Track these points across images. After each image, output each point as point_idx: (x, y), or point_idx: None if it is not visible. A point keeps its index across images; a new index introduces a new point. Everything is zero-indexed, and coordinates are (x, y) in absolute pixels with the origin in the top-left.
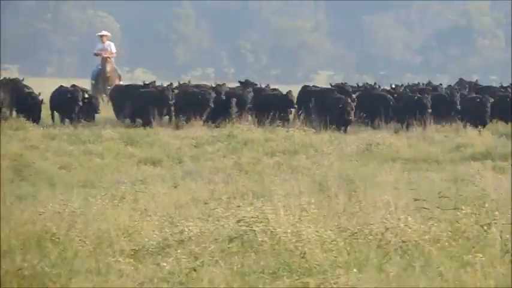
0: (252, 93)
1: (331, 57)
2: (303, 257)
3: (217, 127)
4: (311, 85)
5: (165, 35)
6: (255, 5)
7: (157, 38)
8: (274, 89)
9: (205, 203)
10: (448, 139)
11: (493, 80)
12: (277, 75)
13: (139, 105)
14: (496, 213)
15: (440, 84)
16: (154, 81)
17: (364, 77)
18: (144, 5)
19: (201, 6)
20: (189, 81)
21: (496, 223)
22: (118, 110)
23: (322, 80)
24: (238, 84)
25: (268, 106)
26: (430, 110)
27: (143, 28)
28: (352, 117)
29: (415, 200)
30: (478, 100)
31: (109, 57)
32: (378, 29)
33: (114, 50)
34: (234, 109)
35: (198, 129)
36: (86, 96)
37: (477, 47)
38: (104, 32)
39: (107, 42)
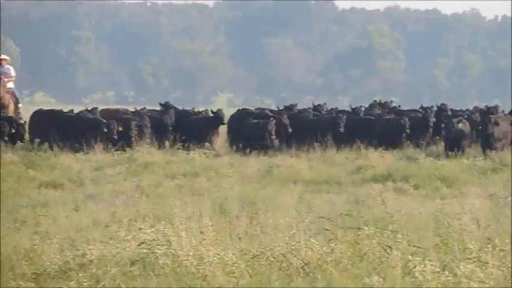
0: (172, 116)
1: (232, 80)
2: (204, 280)
3: (117, 150)
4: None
5: (65, 58)
6: (155, 27)
7: (57, 61)
8: (199, 112)
9: (106, 226)
10: (349, 161)
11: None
12: (177, 98)
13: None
14: (398, 235)
15: (361, 106)
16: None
17: (264, 99)
18: (44, 28)
19: (101, 29)
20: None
21: (397, 245)
22: (34, 134)
23: (222, 102)
24: (141, 107)
25: (197, 128)
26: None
27: (43, 51)
28: (268, 141)
29: (318, 219)
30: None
31: (3, 80)
32: (278, 51)
33: (13, 74)
34: (134, 132)
35: (98, 153)
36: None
37: (377, 68)
38: (3, 56)
39: (6, 66)
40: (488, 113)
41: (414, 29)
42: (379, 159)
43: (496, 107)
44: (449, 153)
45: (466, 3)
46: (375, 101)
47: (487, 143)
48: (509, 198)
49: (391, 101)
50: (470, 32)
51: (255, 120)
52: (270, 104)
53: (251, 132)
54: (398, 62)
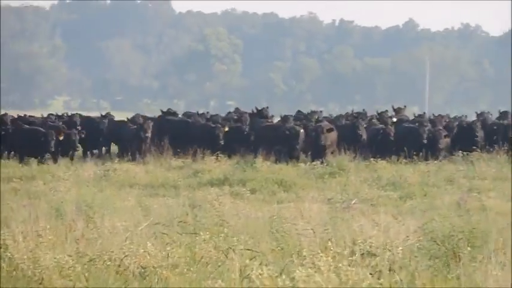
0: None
1: (68, 83)
2: (40, 283)
3: None
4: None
5: None
6: None
7: None
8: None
9: None
10: (186, 165)
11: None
12: (14, 101)
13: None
14: (235, 239)
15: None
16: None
17: (100, 102)
18: None
19: None
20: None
21: (234, 249)
22: None
23: (58, 105)
24: None
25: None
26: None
27: None
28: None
29: (154, 224)
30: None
31: None
32: (115, 54)
33: None
34: None
35: None
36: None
37: (214, 72)
38: None
39: None
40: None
41: (251, 32)
42: (214, 163)
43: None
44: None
45: (303, 7)
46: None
47: (318, 152)
48: (346, 203)
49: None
50: (307, 35)
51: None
52: (107, 107)
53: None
54: (235, 65)
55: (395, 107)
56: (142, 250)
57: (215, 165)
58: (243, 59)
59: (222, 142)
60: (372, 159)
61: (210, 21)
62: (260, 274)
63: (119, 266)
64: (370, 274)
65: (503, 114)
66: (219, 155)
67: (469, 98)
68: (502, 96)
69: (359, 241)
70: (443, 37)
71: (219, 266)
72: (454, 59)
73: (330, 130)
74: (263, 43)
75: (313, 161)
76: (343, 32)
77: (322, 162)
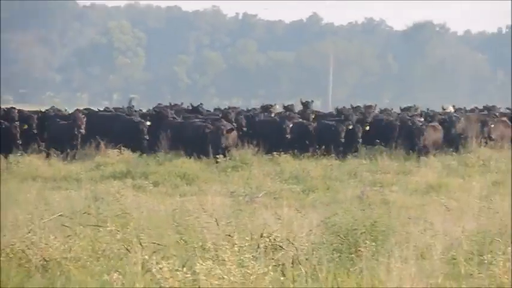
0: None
1: None
2: None
3: None
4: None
5: None
6: None
7: None
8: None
9: None
10: (89, 158)
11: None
12: None
13: None
14: (138, 232)
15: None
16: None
17: (5, 96)
18: None
19: None
20: None
21: (137, 242)
22: None
23: None
24: None
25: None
26: None
27: None
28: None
29: (57, 216)
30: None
31: None
32: (18, 47)
33: None
34: None
35: None
36: None
37: (117, 65)
38: None
39: None
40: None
41: (155, 25)
42: (117, 156)
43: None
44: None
45: (207, 1)
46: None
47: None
48: (249, 196)
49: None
50: (210, 29)
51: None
52: (11, 100)
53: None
54: (139, 58)
55: (303, 101)
56: (45, 243)
57: (118, 158)
58: (146, 53)
59: (146, 137)
60: (274, 153)
61: (113, 15)
62: (162, 267)
63: (21, 258)
64: (274, 267)
65: (406, 110)
66: (122, 148)
67: (373, 92)
68: (404, 91)
69: (262, 234)
70: (347, 31)
71: (121, 259)
72: (358, 53)
73: (229, 131)
74: (167, 36)
75: (214, 156)
76: (247, 26)
77: (225, 156)
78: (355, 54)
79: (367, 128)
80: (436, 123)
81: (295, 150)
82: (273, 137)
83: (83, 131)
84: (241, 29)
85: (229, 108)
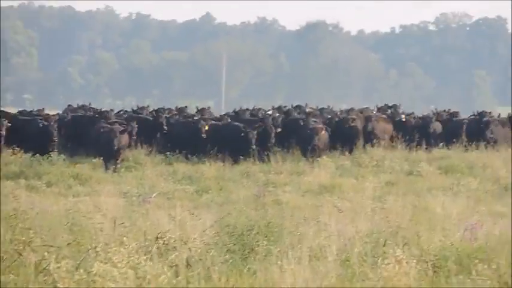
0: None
1: None
2: None
3: None
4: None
5: None
6: None
7: None
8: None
9: None
10: None
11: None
12: None
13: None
14: (31, 232)
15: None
16: None
17: None
18: None
19: None
20: None
21: (30, 243)
22: None
23: None
24: None
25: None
26: None
27: None
28: None
29: None
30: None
31: None
32: None
33: None
34: None
35: None
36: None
37: (11, 65)
38: None
39: None
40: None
41: (48, 26)
42: (11, 156)
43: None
44: None
45: (100, 1)
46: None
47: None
48: (142, 197)
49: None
50: (103, 29)
51: None
52: None
53: None
54: (32, 58)
55: (199, 107)
56: None
57: (11, 159)
58: (39, 53)
59: (55, 139)
60: (168, 153)
61: (7, 15)
62: (57, 268)
63: None
64: (168, 268)
65: (297, 108)
66: (15, 148)
67: (266, 92)
68: (297, 90)
69: (156, 235)
70: (240, 31)
71: (15, 261)
72: (251, 52)
73: (122, 132)
74: (60, 37)
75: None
76: (140, 26)
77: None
78: (248, 54)
79: (279, 129)
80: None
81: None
82: (188, 139)
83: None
84: (134, 29)
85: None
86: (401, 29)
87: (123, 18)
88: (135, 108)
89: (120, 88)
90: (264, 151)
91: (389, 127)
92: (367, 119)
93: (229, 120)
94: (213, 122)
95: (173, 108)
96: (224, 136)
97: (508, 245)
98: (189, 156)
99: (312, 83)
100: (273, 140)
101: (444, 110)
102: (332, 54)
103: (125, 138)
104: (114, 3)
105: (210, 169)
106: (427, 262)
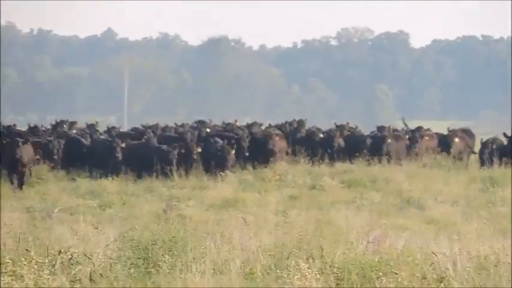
0: None
1: None
2: None
3: None
4: None
5: None
6: None
7: None
8: None
9: None
10: None
11: None
12: None
13: None
14: None
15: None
16: None
17: None
18: None
19: None
20: None
21: None
22: None
23: None
24: None
25: None
26: None
27: None
28: None
29: None
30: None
31: None
32: None
33: None
34: None
35: None
36: None
37: None
38: None
39: None
40: None
41: None
42: None
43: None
44: None
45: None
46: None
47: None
48: (45, 211)
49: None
50: (5, 44)
51: None
52: None
53: None
54: None
55: (109, 126)
56: None
57: None
58: None
59: None
60: (70, 168)
61: None
62: None
63: None
64: (71, 282)
65: (201, 122)
66: None
67: (168, 107)
68: (200, 105)
69: (59, 250)
70: (141, 46)
71: None
72: (153, 68)
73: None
74: None
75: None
76: (42, 41)
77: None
78: (151, 69)
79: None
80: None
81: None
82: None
83: None
84: (35, 44)
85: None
86: (303, 44)
87: (24, 33)
88: (53, 123)
89: (22, 104)
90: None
91: (284, 144)
92: (268, 137)
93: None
94: (131, 141)
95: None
96: (144, 156)
97: (411, 257)
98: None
99: (215, 98)
100: (195, 157)
101: (347, 123)
102: (234, 69)
103: (28, 152)
104: (16, 18)
105: (113, 184)
106: (330, 275)
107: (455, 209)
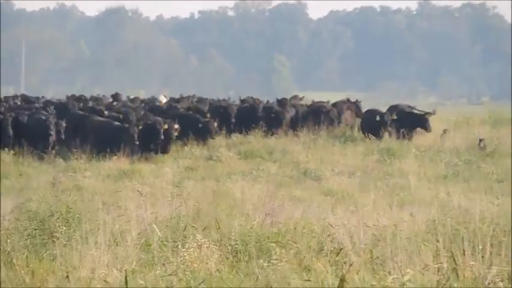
0: None
1: None
2: None
3: None
4: None
5: None
6: None
7: None
8: None
9: None
10: None
11: None
12: None
13: None
14: None
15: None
16: None
17: None
18: None
19: None
20: None
21: None
22: None
23: None
24: None
25: None
26: None
27: None
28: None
29: None
30: None
31: None
32: None
33: None
34: None
35: None
36: None
37: None
38: None
39: None
40: None
41: None
42: None
43: None
44: None
45: None
46: None
47: None
48: None
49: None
50: None
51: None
52: None
53: None
54: None
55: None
56: None
57: None
58: None
59: None
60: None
61: None
62: None
63: None
64: None
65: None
66: None
67: (66, 78)
68: (97, 76)
69: None
70: (40, 17)
71: None
72: (51, 38)
73: None
74: None
75: None
76: None
77: None
78: (48, 40)
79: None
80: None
81: None
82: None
83: None
84: None
85: None
86: (200, 14)
87: None
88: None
89: None
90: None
91: None
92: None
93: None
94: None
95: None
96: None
97: (308, 229)
98: None
99: (113, 69)
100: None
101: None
102: (132, 40)
103: None
104: None
105: (9, 155)
106: (227, 246)
107: (352, 181)
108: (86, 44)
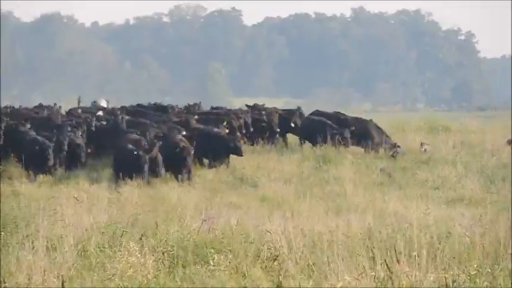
0: None
1: None
2: None
3: None
4: None
5: None
6: None
7: None
8: None
9: None
10: None
11: None
12: None
13: None
14: None
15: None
16: None
17: None
18: None
19: None
20: None
21: None
22: None
23: None
24: None
25: None
26: None
27: None
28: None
29: None
30: None
31: None
32: None
33: None
34: None
35: None
36: None
37: None
38: None
39: None
40: None
41: None
42: None
43: None
44: None
45: None
46: None
47: None
48: None
49: None
50: None
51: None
52: None
53: None
54: None
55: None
56: None
57: None
58: None
59: None
60: None
61: None
62: None
63: None
64: None
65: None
66: None
67: (2, 85)
68: (33, 83)
69: None
70: None
71: None
72: None
73: None
74: None
75: None
76: None
77: None
78: None
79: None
80: None
81: None
82: None
83: None
84: None
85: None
86: (135, 20)
87: None
88: None
89: None
90: None
91: None
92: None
93: None
94: None
95: None
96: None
97: (244, 235)
98: None
99: (48, 75)
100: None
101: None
102: (67, 46)
103: None
104: None
105: None
106: (163, 253)
107: (288, 187)
108: (21, 50)
